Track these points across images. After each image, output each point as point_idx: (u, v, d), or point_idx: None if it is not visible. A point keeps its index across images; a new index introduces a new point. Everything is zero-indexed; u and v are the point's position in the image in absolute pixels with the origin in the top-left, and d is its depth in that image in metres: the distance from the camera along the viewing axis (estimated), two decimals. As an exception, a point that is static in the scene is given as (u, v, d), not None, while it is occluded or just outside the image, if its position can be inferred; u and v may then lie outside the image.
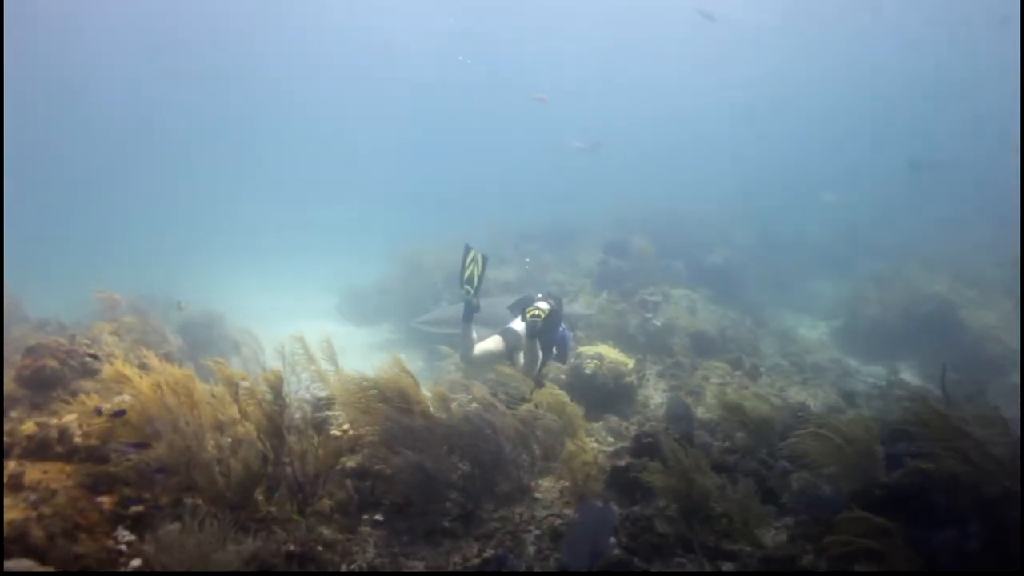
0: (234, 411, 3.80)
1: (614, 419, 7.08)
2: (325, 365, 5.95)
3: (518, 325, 7.13)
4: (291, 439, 4.11)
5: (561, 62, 44.34)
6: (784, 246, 19.09)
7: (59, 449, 4.09)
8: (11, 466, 3.97)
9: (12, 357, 6.67)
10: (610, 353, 7.88)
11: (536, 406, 5.67)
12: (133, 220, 28.76)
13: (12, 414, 5.13)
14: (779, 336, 12.61)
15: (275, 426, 4.00)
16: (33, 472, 3.80)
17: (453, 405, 4.86)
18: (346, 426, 5.03)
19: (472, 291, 6.93)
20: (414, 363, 11.85)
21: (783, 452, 4.71)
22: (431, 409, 4.67)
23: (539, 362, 7.01)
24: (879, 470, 4.08)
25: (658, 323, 10.43)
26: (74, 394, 5.17)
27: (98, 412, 3.81)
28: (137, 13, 37.63)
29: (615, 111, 43.22)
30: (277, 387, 4.13)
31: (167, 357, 6.33)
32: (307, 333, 7.92)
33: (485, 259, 7.02)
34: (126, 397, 4.07)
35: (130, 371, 3.87)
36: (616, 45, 44.02)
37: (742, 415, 5.40)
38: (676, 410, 5.96)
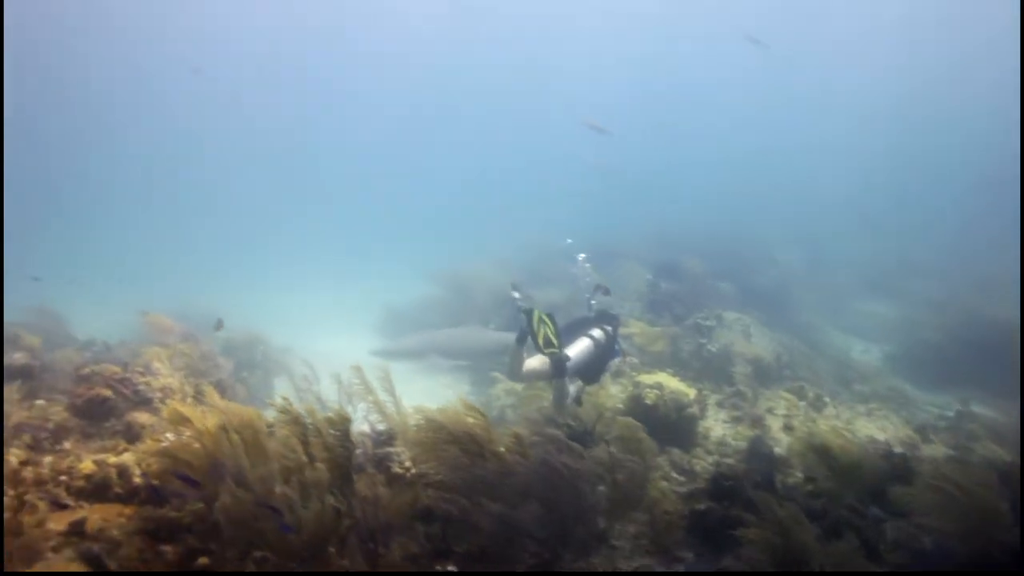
0: (301, 453, 3.55)
1: (676, 452, 6.73)
2: (383, 396, 5.74)
3: (578, 346, 6.82)
4: (359, 484, 3.86)
5: (600, 78, 44.15)
6: (831, 266, 18.57)
7: (118, 490, 3.90)
8: (69, 504, 3.78)
9: (60, 383, 6.53)
10: (670, 382, 7.55)
11: (606, 440, 5.39)
12: (164, 233, 28.97)
13: (66, 445, 4.95)
14: (834, 361, 12.13)
15: (343, 470, 3.75)
16: (94, 517, 3.59)
17: (529, 449, 4.56)
18: (408, 463, 4.76)
19: (557, 350, 6.44)
20: (460, 387, 11.59)
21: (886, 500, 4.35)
22: (503, 449, 4.38)
23: (569, 397, 6.73)
24: (1004, 529, 3.71)
25: (713, 348, 10.05)
26: (128, 427, 4.99)
27: (182, 479, 3.51)
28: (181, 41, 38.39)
29: (654, 128, 42.83)
30: (344, 428, 3.88)
31: (219, 385, 6.16)
32: (348, 354, 7.75)
33: (551, 316, 6.60)
34: (186, 435, 3.86)
35: (190, 411, 3.64)
36: (655, 63, 43.81)
37: (829, 457, 5.05)
38: (756, 450, 5.61)
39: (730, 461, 6.15)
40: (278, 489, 3.37)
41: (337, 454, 3.75)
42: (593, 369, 6.94)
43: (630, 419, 5.32)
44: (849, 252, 20.40)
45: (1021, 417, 6.68)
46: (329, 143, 48.45)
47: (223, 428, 3.45)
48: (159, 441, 4.38)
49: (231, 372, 7.57)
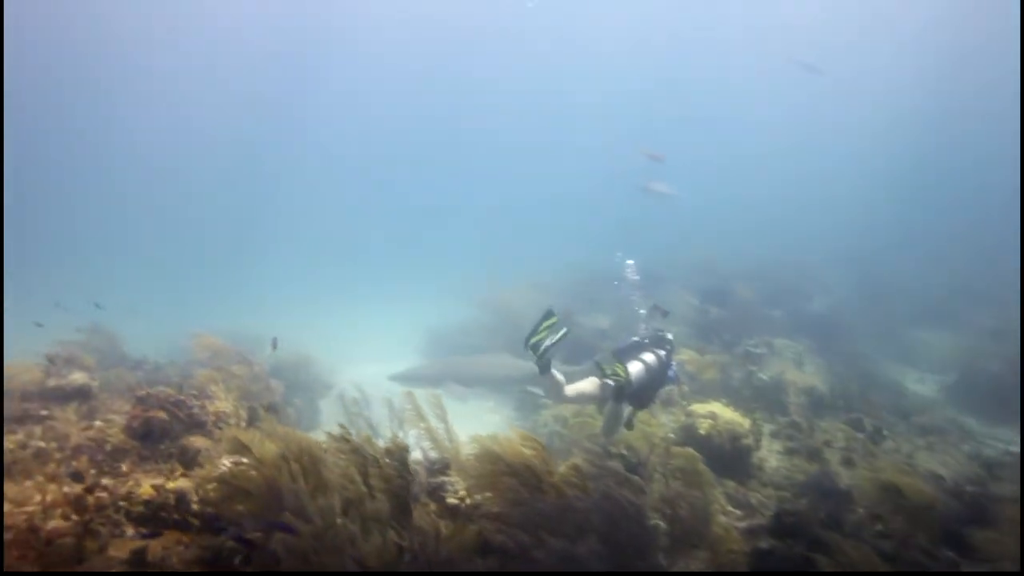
0: (361, 484, 3.49)
1: (731, 484, 6.53)
2: (435, 423, 5.68)
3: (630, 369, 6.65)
4: (417, 515, 3.79)
5: (651, 102, 43.98)
6: (883, 293, 18.05)
7: (176, 516, 3.87)
8: (129, 532, 3.77)
9: (115, 403, 6.61)
10: (724, 412, 7.36)
11: (661, 472, 5.24)
12: (215, 253, 29.53)
13: (122, 467, 4.97)
14: (888, 391, 11.73)
15: (402, 502, 3.69)
16: (154, 545, 3.57)
17: (588, 482, 4.44)
18: (463, 493, 4.68)
19: (535, 354, 5.93)
20: (503, 411, 11.49)
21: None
22: (561, 481, 4.27)
23: (622, 421, 6.56)
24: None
25: (764, 377, 9.82)
26: (183, 450, 5.00)
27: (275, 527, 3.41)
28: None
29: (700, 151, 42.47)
30: (402, 458, 3.82)
31: (272, 408, 6.16)
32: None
33: (566, 334, 6.32)
34: (244, 461, 3.83)
35: (249, 438, 3.61)
36: (703, 86, 43.59)
37: (898, 496, 4.83)
38: (819, 486, 5.40)
39: (788, 495, 5.94)
40: (339, 521, 3.31)
41: (395, 485, 3.69)
42: (644, 395, 6.78)
43: (689, 450, 5.18)
44: (899, 277, 19.86)
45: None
46: (379, 167, 49.09)
47: (283, 458, 3.40)
48: (216, 467, 4.38)
49: (282, 395, 7.59)
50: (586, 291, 14.49)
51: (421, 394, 6.05)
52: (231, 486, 3.60)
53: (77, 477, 4.47)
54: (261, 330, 13.19)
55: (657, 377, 6.75)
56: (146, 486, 3.96)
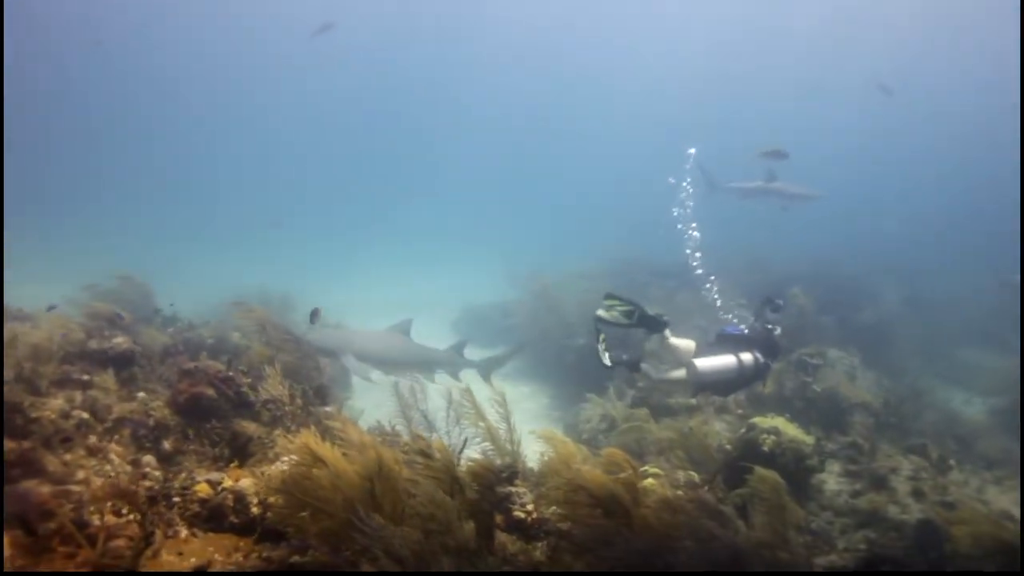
0: (450, 512, 3.10)
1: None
2: (495, 421, 5.34)
3: (719, 360, 6.40)
4: (501, 539, 3.43)
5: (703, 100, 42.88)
6: (932, 307, 17.39)
7: (233, 519, 3.54)
8: (183, 534, 3.44)
9: (154, 368, 6.29)
10: (788, 428, 6.93)
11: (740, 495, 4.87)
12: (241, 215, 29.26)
13: (165, 445, 4.67)
14: (940, 413, 11.25)
15: (486, 529, 3.32)
16: (208, 550, 3.24)
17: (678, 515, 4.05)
18: (530, 506, 4.32)
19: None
20: (539, 400, 11.17)
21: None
22: (650, 514, 3.88)
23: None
24: None
25: (818, 389, 9.37)
26: (234, 436, 4.66)
27: None
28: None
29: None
30: (490, 482, 3.45)
31: (321, 392, 5.81)
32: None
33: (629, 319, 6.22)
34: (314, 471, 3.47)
35: (326, 451, 3.23)
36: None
37: (1001, 543, 4.42)
38: (924, 533, 4.98)
39: (872, 534, 5.53)
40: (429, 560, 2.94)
41: (478, 508, 3.32)
42: (726, 389, 6.76)
43: (773, 475, 4.76)
44: (949, 291, 19.17)
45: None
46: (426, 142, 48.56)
47: (366, 478, 3.03)
48: (270, 461, 4.05)
49: (331, 376, 7.25)
50: (634, 283, 14.01)
51: (482, 391, 5.72)
52: (297, 498, 3.23)
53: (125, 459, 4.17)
54: (305, 300, 12.93)
55: (747, 379, 6.51)
56: (202, 483, 3.62)
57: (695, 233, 8.79)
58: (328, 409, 5.35)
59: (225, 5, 39.70)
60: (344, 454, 3.33)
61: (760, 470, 4.92)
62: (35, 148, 35.10)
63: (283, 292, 13.68)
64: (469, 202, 37.94)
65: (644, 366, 6.57)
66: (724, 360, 6.29)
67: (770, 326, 6.92)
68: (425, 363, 8.79)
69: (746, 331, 6.88)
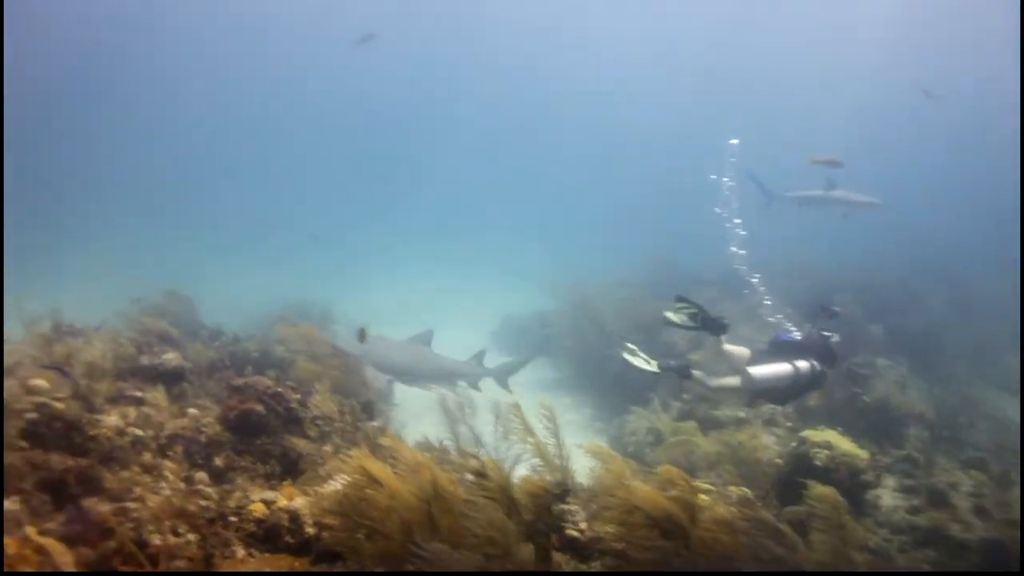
0: (510, 536, 3.06)
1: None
2: (543, 436, 5.28)
3: (774, 368, 6.45)
4: (556, 559, 3.37)
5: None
6: (979, 311, 16.83)
7: (289, 539, 3.54)
8: (240, 554, 3.44)
9: (203, 383, 6.37)
10: (841, 443, 6.76)
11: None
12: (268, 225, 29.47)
13: (217, 461, 4.70)
14: (995, 422, 10.88)
15: (543, 551, 3.26)
16: (264, 570, 3.24)
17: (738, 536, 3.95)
18: (583, 525, 4.25)
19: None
20: (581, 411, 11.08)
21: None
22: (708, 536, 3.79)
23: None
24: None
25: (867, 399, 9.15)
26: (284, 452, 4.68)
27: None
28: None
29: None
30: (543, 499, 3.40)
31: (368, 408, 5.82)
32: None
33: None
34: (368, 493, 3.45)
35: (380, 470, 3.21)
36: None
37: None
38: (992, 554, 4.80)
39: (934, 553, 5.35)
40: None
41: (537, 530, 3.27)
42: (781, 397, 6.79)
43: (832, 493, 4.62)
44: (995, 293, 18.56)
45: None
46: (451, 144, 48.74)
47: (422, 499, 3.00)
48: (323, 480, 4.04)
49: (379, 391, 7.26)
50: (675, 291, 13.74)
51: (530, 403, 5.67)
52: (353, 520, 3.21)
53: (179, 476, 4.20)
54: (342, 306, 13.01)
55: (803, 387, 6.45)
56: (257, 501, 3.62)
57: (739, 231, 8.71)
58: (376, 424, 5.34)
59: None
60: (397, 473, 3.30)
61: (817, 487, 4.78)
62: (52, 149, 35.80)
63: (323, 303, 13.76)
64: (501, 209, 37.82)
65: (696, 373, 6.52)
66: (779, 368, 6.30)
67: (827, 333, 6.85)
68: (445, 374, 8.83)
69: (801, 338, 6.81)
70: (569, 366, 12.70)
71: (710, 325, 6.29)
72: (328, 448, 4.87)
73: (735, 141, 9.77)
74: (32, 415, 4.14)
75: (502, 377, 9.40)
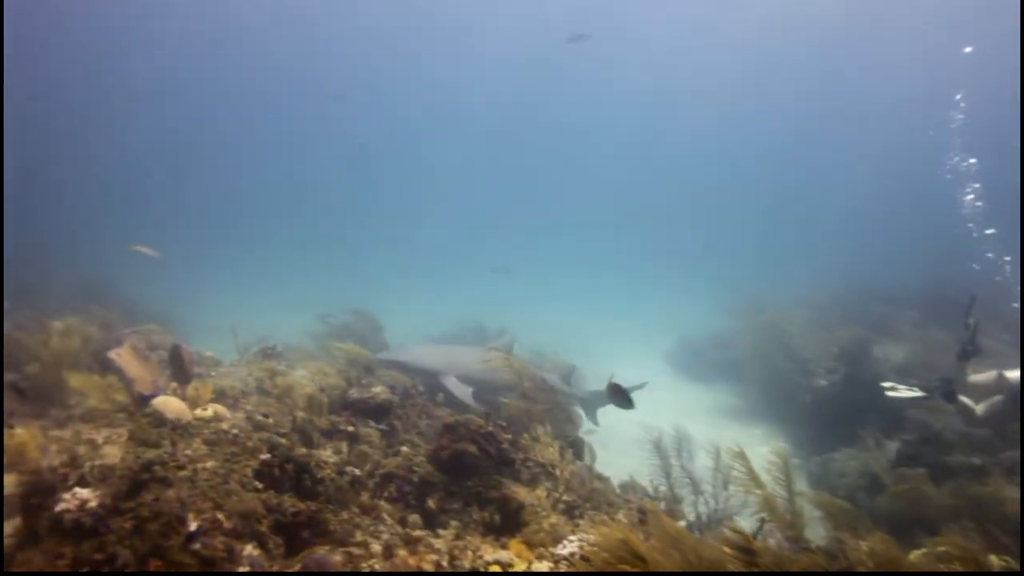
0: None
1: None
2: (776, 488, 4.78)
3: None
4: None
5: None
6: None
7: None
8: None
9: (409, 416, 6.34)
10: None
11: None
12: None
13: (429, 503, 4.57)
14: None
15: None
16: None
17: None
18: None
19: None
20: (774, 444, 10.25)
21: None
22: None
23: None
24: None
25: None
26: (504, 500, 4.45)
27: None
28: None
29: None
30: None
31: (575, 445, 5.51)
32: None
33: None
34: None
35: (643, 548, 2.84)
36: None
37: None
38: None
39: None
40: None
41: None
42: None
43: None
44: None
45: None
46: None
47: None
48: (549, 535, 3.77)
49: (580, 427, 6.97)
50: (868, 314, 12.52)
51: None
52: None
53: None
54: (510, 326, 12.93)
55: None
56: (493, 565, 3.39)
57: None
58: (587, 465, 5.02)
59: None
60: (653, 546, 2.94)
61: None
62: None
63: (498, 325, 13.76)
64: (670, 229, 36.86)
65: (962, 399, 6.43)
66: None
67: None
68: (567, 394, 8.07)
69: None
70: (753, 393, 11.84)
71: (935, 392, 6.37)
72: (540, 493, 4.60)
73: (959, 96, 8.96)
74: (265, 456, 4.16)
75: (591, 408, 8.28)
